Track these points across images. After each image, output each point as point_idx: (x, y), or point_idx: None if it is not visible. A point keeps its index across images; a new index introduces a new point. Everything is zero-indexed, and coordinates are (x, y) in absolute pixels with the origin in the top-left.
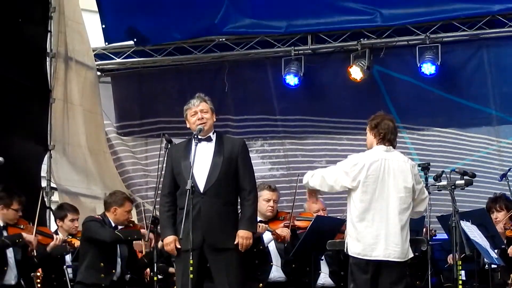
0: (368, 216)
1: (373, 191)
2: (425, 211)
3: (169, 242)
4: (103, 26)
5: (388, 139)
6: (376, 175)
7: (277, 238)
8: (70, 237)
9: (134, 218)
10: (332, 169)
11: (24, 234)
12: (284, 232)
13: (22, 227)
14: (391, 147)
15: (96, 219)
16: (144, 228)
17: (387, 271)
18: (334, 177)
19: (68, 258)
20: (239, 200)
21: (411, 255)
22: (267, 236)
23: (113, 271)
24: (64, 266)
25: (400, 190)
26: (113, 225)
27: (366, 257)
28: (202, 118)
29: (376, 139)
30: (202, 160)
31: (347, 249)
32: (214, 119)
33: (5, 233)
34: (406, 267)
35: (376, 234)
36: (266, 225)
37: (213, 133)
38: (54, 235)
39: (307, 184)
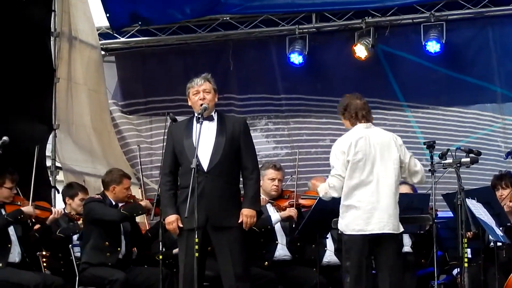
0: (360, 191)
1: (363, 167)
2: (419, 183)
3: (171, 221)
4: (107, 15)
5: (363, 115)
6: (364, 151)
7: (279, 209)
8: (78, 215)
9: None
10: (330, 178)
11: (23, 208)
12: (291, 212)
13: (19, 203)
14: (369, 123)
15: (97, 199)
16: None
17: (384, 245)
18: (333, 181)
19: (74, 237)
20: (241, 179)
21: (401, 228)
22: (275, 217)
23: (118, 249)
24: (70, 245)
25: (387, 163)
26: (114, 203)
27: (361, 232)
28: (204, 98)
29: (351, 121)
30: (205, 140)
31: (340, 229)
32: (216, 99)
33: (3, 211)
34: (399, 240)
35: (370, 208)
36: (266, 198)
37: (214, 112)
38: (53, 208)
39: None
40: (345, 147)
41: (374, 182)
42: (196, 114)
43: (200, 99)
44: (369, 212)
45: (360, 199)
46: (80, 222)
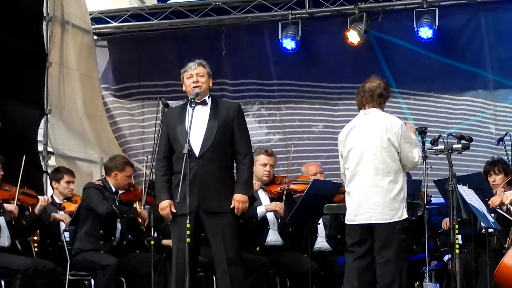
0: (352, 182)
1: (352, 157)
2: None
3: (165, 206)
4: None
5: (366, 99)
6: (352, 142)
7: (271, 194)
8: (65, 200)
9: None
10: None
11: (5, 205)
12: (277, 207)
13: (6, 188)
14: (371, 109)
15: (97, 185)
16: (143, 194)
17: (376, 235)
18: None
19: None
20: (235, 164)
21: (404, 216)
22: (260, 210)
23: (113, 238)
24: (62, 230)
25: (376, 150)
26: (114, 190)
27: (351, 222)
28: (197, 81)
29: (359, 105)
30: (197, 125)
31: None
32: (211, 84)
33: None
34: (395, 229)
35: (357, 199)
36: (259, 182)
37: (208, 97)
38: (40, 196)
39: None
40: (339, 138)
41: (361, 173)
42: (189, 99)
43: (194, 82)
44: (357, 203)
45: (352, 190)
46: (73, 209)
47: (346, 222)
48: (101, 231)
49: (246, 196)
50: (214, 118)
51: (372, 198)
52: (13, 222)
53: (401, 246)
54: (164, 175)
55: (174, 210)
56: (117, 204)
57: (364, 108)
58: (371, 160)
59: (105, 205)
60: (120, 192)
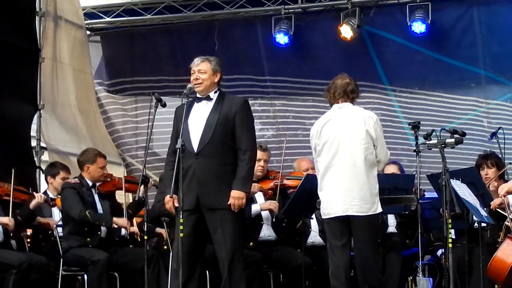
0: (327, 174)
1: (328, 150)
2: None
3: (168, 200)
4: None
5: (339, 94)
6: (328, 134)
7: (266, 194)
8: (59, 196)
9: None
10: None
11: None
12: (272, 205)
13: None
14: (345, 103)
15: (72, 184)
16: (122, 182)
17: (354, 228)
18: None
19: (58, 217)
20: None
21: (378, 210)
22: (254, 208)
23: (99, 233)
24: (54, 226)
25: (353, 144)
26: (91, 184)
27: (328, 215)
28: (198, 78)
29: (330, 101)
30: (198, 120)
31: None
32: (216, 80)
33: None
34: (372, 223)
35: (334, 192)
36: (259, 185)
37: (215, 92)
38: (35, 194)
39: None
40: (313, 131)
41: (338, 165)
42: (183, 93)
43: (194, 79)
44: (333, 196)
45: (327, 183)
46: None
47: (322, 216)
48: (85, 228)
49: (243, 193)
50: (214, 113)
51: (348, 190)
52: (11, 234)
53: (377, 240)
54: (172, 169)
55: (177, 205)
56: (95, 199)
57: (338, 103)
58: (348, 152)
59: (78, 209)
60: (97, 184)
